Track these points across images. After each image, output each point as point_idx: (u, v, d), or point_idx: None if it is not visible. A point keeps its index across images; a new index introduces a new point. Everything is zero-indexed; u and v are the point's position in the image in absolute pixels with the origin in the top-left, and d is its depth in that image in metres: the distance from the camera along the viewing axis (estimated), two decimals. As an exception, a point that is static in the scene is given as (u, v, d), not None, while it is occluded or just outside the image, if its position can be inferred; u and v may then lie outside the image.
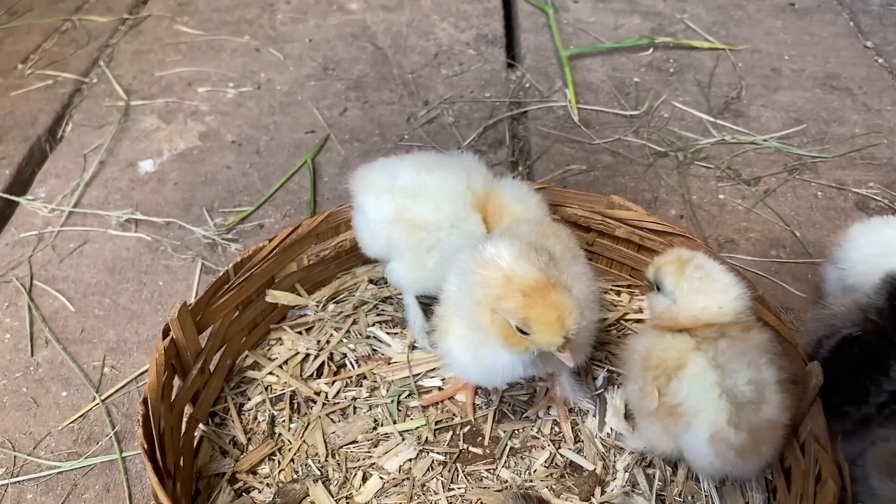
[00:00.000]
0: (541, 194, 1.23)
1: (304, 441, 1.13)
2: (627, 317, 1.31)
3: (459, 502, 1.07)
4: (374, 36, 2.17)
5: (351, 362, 1.25)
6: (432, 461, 1.12)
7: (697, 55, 2.07)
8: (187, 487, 1.05)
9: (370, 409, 1.18)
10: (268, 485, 1.08)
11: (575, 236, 1.17)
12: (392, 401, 1.19)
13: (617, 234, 1.29)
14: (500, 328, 0.94)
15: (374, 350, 1.27)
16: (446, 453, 1.13)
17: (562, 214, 1.31)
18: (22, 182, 1.69)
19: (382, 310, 1.33)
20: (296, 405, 1.19)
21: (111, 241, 1.53)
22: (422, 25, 2.21)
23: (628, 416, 1.14)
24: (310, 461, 1.11)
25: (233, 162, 1.73)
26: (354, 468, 1.10)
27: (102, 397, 1.23)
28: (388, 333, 1.29)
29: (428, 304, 1.22)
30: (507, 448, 1.14)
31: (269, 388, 1.21)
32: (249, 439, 1.14)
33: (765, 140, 1.76)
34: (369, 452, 1.12)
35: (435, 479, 1.09)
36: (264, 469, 1.11)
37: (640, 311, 1.31)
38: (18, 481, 1.12)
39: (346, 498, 1.07)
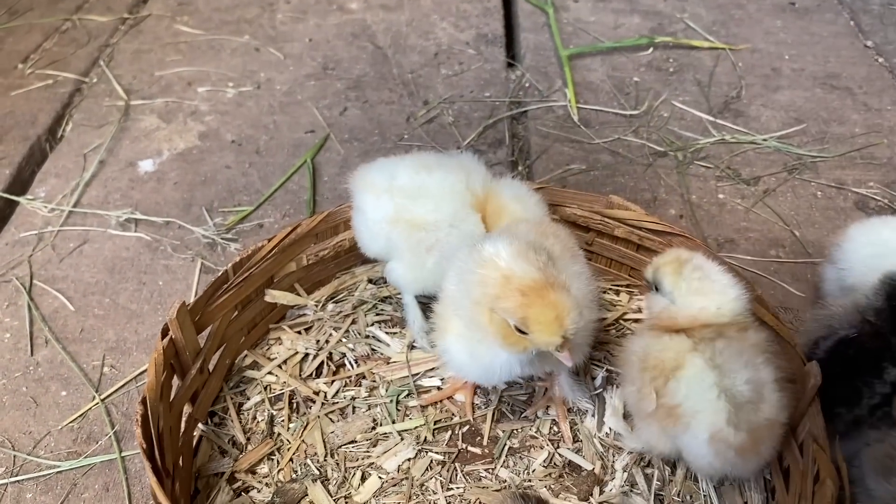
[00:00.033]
0: (540, 194, 1.23)
1: (302, 441, 1.14)
2: (626, 316, 1.31)
3: (458, 502, 1.07)
4: (374, 35, 2.17)
5: (350, 362, 1.25)
6: (431, 461, 1.12)
7: (697, 55, 2.07)
8: (186, 487, 1.06)
9: (369, 409, 1.18)
10: (267, 484, 1.08)
11: (574, 236, 1.17)
12: (391, 400, 1.19)
13: (616, 233, 1.30)
14: (499, 328, 0.94)
15: (373, 350, 1.27)
16: (445, 453, 1.13)
17: (561, 214, 1.31)
18: (22, 182, 1.70)
19: (382, 309, 1.34)
20: (295, 405, 1.19)
21: (111, 241, 1.53)
22: (422, 25, 2.21)
23: (627, 416, 1.14)
24: (309, 461, 1.11)
25: (232, 162, 1.73)
26: (353, 468, 1.10)
27: (102, 397, 1.24)
28: (387, 333, 1.29)
29: (427, 303, 1.22)
30: (506, 448, 1.14)
31: (268, 387, 1.21)
32: (248, 439, 1.14)
33: (764, 140, 1.76)
34: (368, 452, 1.13)
35: (434, 479, 1.09)
36: (263, 469, 1.11)
37: (640, 310, 1.31)
38: (18, 480, 1.13)
39: (345, 498, 1.07)
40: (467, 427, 1.17)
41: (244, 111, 1.89)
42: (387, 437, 1.15)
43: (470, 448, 1.14)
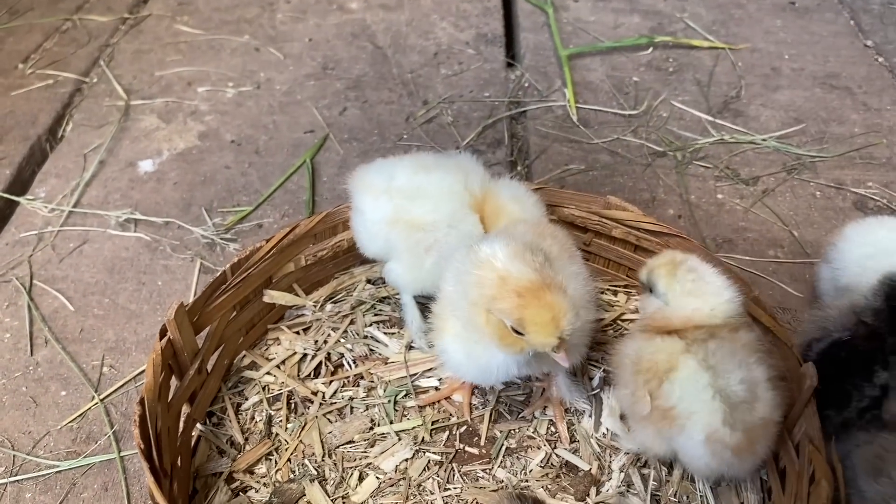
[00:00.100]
0: (538, 194, 1.23)
1: (300, 441, 1.14)
2: (624, 317, 1.32)
3: (455, 502, 1.07)
4: (374, 35, 2.17)
5: (348, 362, 1.26)
6: (428, 461, 1.12)
7: (697, 54, 2.07)
8: (184, 487, 1.06)
9: (367, 409, 1.19)
10: (264, 484, 1.09)
11: (572, 237, 1.17)
12: (389, 401, 1.19)
13: (614, 234, 1.30)
14: (496, 328, 0.95)
15: (371, 350, 1.28)
16: (442, 453, 1.13)
17: (559, 215, 1.32)
18: (22, 182, 1.70)
19: (380, 310, 1.34)
20: (293, 405, 1.20)
21: (110, 241, 1.53)
22: (421, 25, 2.22)
23: (623, 417, 1.14)
24: (306, 461, 1.11)
25: (232, 162, 1.73)
26: (351, 468, 1.11)
27: (101, 397, 1.24)
28: (385, 333, 1.30)
29: (426, 303, 1.22)
30: (504, 448, 1.14)
31: (266, 387, 1.21)
32: (247, 439, 1.15)
33: (764, 140, 1.76)
34: (366, 452, 1.13)
35: (431, 479, 1.10)
36: (261, 469, 1.11)
37: (637, 311, 1.31)
38: (17, 480, 1.13)
39: (343, 498, 1.07)
40: (465, 427, 1.17)
41: (244, 111, 1.89)
42: (384, 437, 1.15)
43: (467, 448, 1.14)
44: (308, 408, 1.19)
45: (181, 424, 1.11)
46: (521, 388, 1.22)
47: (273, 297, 1.27)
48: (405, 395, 1.21)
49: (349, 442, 1.14)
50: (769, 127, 1.80)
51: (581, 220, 1.32)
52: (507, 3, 2.32)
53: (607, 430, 1.15)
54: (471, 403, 1.19)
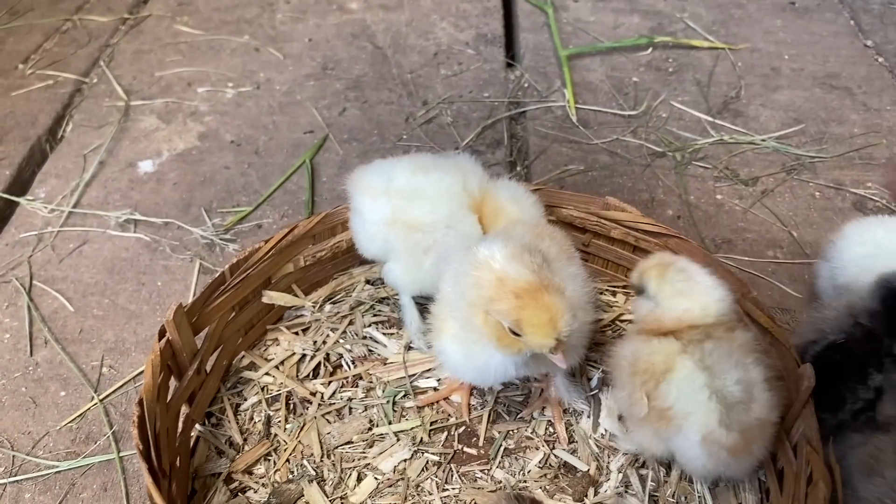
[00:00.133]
0: (537, 195, 1.23)
1: (299, 441, 1.14)
2: (623, 317, 1.32)
3: (453, 503, 1.07)
4: (374, 35, 2.17)
5: (347, 363, 1.26)
6: (427, 462, 1.12)
7: (697, 54, 2.07)
8: (183, 487, 1.06)
9: (366, 410, 1.19)
10: (263, 485, 1.09)
11: (570, 238, 1.17)
12: (387, 401, 1.20)
13: (612, 235, 1.30)
14: (494, 329, 0.95)
15: (370, 351, 1.28)
16: (441, 454, 1.13)
17: (558, 216, 1.32)
18: (22, 182, 1.70)
19: (379, 310, 1.34)
20: (292, 406, 1.20)
21: (110, 242, 1.53)
22: (421, 25, 2.22)
23: (622, 417, 1.14)
24: (305, 461, 1.12)
25: (231, 162, 1.73)
26: (349, 468, 1.11)
27: (101, 397, 1.24)
28: (384, 334, 1.30)
29: (425, 304, 1.23)
30: (502, 448, 1.14)
31: (265, 388, 1.22)
32: (245, 439, 1.15)
33: (763, 140, 1.76)
34: (364, 453, 1.13)
35: (429, 480, 1.10)
36: (260, 469, 1.11)
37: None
38: (17, 480, 1.13)
39: (341, 498, 1.07)
40: (463, 428, 1.18)
41: (243, 111, 1.89)
42: (383, 437, 1.15)
43: (466, 449, 1.15)
44: (307, 408, 1.19)
45: (180, 425, 1.11)
46: (520, 389, 1.22)
47: (272, 297, 1.27)
48: (404, 396, 1.21)
49: (348, 442, 1.15)
50: (769, 127, 1.80)
51: (580, 220, 1.32)
52: (506, 3, 2.32)
53: (605, 430, 1.15)
54: (469, 404, 1.19)
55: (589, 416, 1.17)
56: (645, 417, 0.98)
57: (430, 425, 1.17)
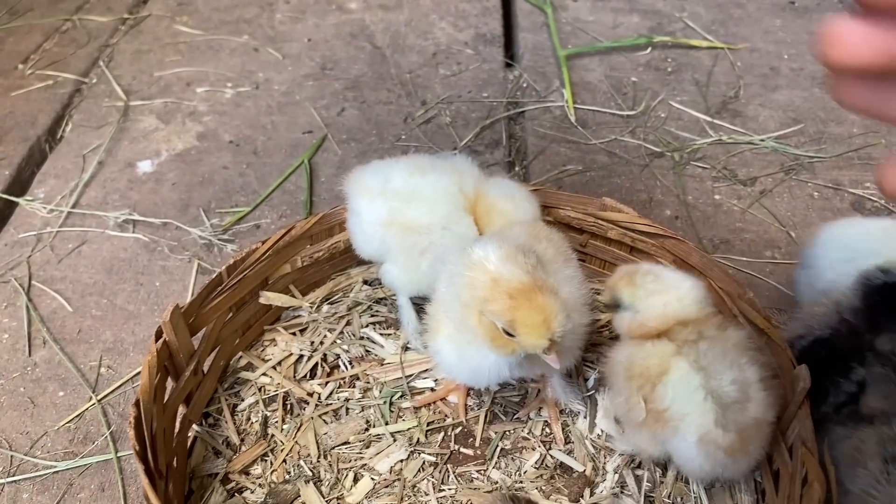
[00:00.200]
0: (534, 195, 1.23)
1: (296, 442, 1.14)
2: (620, 318, 1.32)
3: (449, 503, 1.07)
4: (373, 35, 2.17)
5: (344, 363, 1.26)
6: (423, 462, 1.12)
7: (696, 54, 2.07)
8: (180, 488, 1.06)
9: (362, 410, 1.19)
10: (260, 485, 1.09)
11: (568, 238, 1.18)
12: (384, 402, 1.20)
13: (609, 235, 1.30)
14: (488, 330, 0.95)
15: (367, 351, 1.28)
16: (437, 454, 1.13)
17: (555, 216, 1.32)
18: (21, 182, 1.71)
19: (377, 311, 1.34)
20: (289, 406, 1.20)
21: (109, 242, 1.54)
22: (420, 25, 2.22)
23: (618, 420, 1.14)
24: (302, 462, 1.12)
25: (230, 162, 1.73)
26: (346, 469, 1.11)
27: (99, 397, 1.25)
28: (381, 335, 1.30)
29: (422, 305, 1.23)
30: (498, 449, 1.14)
31: (262, 388, 1.22)
32: (242, 440, 1.15)
33: (762, 140, 1.76)
34: (361, 453, 1.13)
35: (426, 480, 1.10)
36: (257, 469, 1.12)
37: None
38: (15, 480, 1.14)
39: (338, 499, 1.08)
40: (460, 428, 1.18)
41: (242, 111, 1.89)
42: (380, 438, 1.15)
43: (462, 449, 1.15)
44: (304, 409, 1.19)
45: (177, 425, 1.11)
46: (517, 390, 1.22)
47: (269, 298, 1.28)
48: (401, 397, 1.21)
49: (344, 443, 1.15)
50: (767, 127, 1.80)
51: (577, 221, 1.32)
52: (506, 2, 2.32)
53: (602, 431, 1.15)
54: (466, 405, 1.19)
55: (585, 417, 1.17)
56: (642, 421, 0.98)
57: (427, 426, 1.17)
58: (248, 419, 1.18)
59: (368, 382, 1.23)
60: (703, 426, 0.95)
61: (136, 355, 1.32)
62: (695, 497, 1.07)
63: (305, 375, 1.24)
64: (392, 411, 1.19)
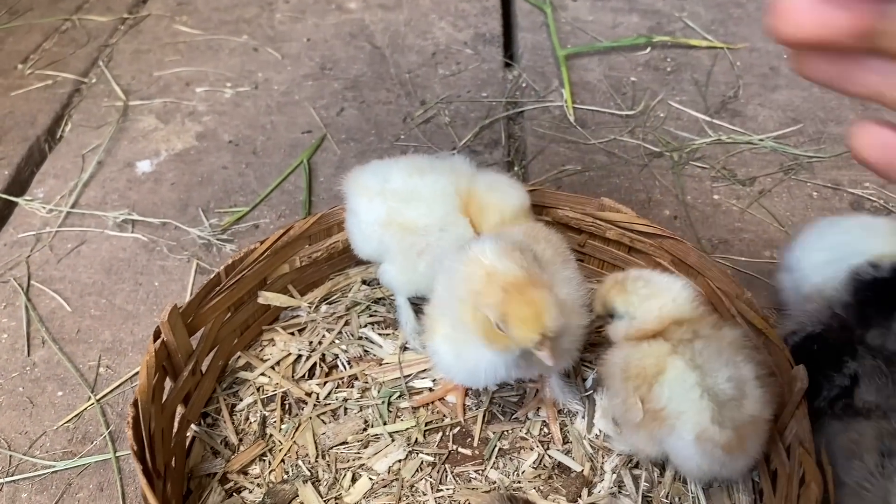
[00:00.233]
0: (532, 195, 1.23)
1: (294, 442, 1.15)
2: (618, 318, 1.32)
3: (447, 503, 1.08)
4: (372, 35, 2.17)
5: (343, 363, 1.26)
6: (421, 462, 1.12)
7: (695, 54, 2.06)
8: (178, 487, 1.07)
9: (361, 410, 1.19)
10: (258, 485, 1.10)
11: (566, 238, 1.18)
12: (383, 402, 1.20)
13: (607, 235, 1.30)
14: (482, 324, 0.95)
15: (365, 351, 1.28)
16: (435, 454, 1.14)
17: (553, 216, 1.32)
18: (21, 182, 1.71)
19: (375, 311, 1.34)
20: (287, 406, 1.20)
21: (108, 242, 1.54)
22: (420, 25, 2.22)
23: (616, 419, 1.14)
24: (300, 462, 1.12)
25: (229, 162, 1.74)
26: (344, 469, 1.11)
27: (97, 397, 1.25)
28: (379, 335, 1.30)
29: (421, 305, 1.23)
30: (496, 449, 1.14)
31: (260, 388, 1.22)
32: (241, 440, 1.15)
33: (761, 140, 1.76)
34: (359, 453, 1.13)
35: (424, 480, 1.10)
36: (255, 469, 1.12)
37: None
38: (14, 480, 1.14)
39: (336, 498, 1.08)
40: (458, 428, 1.18)
41: (242, 111, 1.89)
42: (378, 438, 1.16)
43: (460, 449, 1.15)
44: (302, 409, 1.19)
45: (175, 425, 1.11)
46: (515, 390, 1.22)
47: (267, 298, 1.28)
48: (399, 397, 1.21)
49: (343, 443, 1.15)
50: (767, 127, 1.80)
51: (575, 221, 1.32)
52: (505, 2, 2.32)
53: (600, 431, 1.16)
54: (464, 405, 1.20)
55: (583, 417, 1.17)
56: (640, 421, 0.99)
57: (425, 426, 1.17)
58: (247, 419, 1.19)
59: (367, 382, 1.23)
60: (699, 424, 0.95)
61: (135, 355, 1.32)
62: (693, 497, 1.07)
63: (304, 375, 1.24)
64: (390, 411, 1.19)
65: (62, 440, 1.19)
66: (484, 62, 2.05)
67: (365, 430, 1.17)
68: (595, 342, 1.25)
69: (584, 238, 1.34)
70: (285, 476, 1.10)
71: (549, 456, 1.13)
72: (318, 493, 1.08)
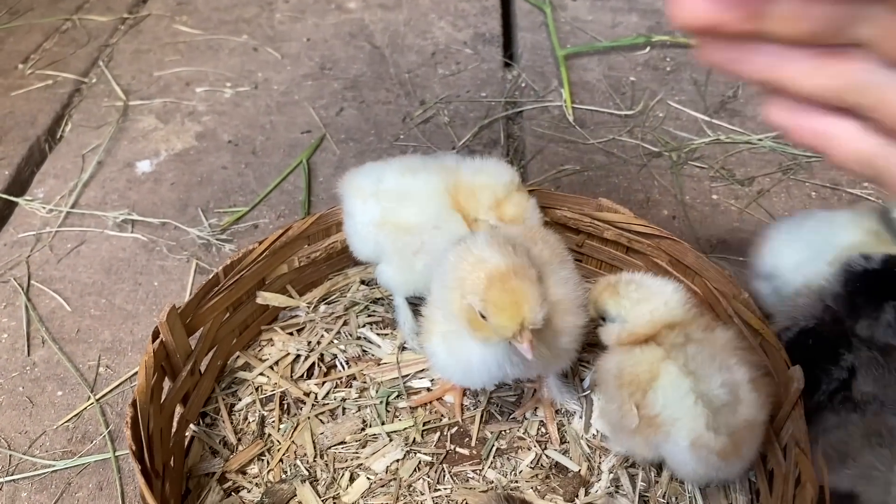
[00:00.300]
0: (532, 196, 1.23)
1: (292, 441, 1.15)
2: (616, 318, 1.32)
3: (445, 503, 1.08)
4: (372, 35, 2.18)
5: (341, 363, 1.27)
6: (419, 462, 1.13)
7: (695, 54, 2.06)
8: (177, 487, 1.07)
9: (359, 410, 1.20)
10: (256, 485, 1.10)
11: (564, 239, 1.18)
12: (381, 402, 1.20)
13: (605, 236, 1.30)
14: (467, 314, 0.94)
15: (364, 351, 1.28)
16: (433, 454, 1.14)
17: (551, 216, 1.32)
18: (21, 182, 1.71)
19: (373, 311, 1.35)
20: (286, 406, 1.21)
21: (108, 242, 1.54)
22: (419, 24, 2.22)
23: (612, 425, 1.14)
24: (298, 461, 1.12)
25: (229, 162, 1.74)
26: (342, 469, 1.12)
27: (97, 397, 1.25)
28: (378, 335, 1.31)
29: (419, 305, 1.23)
30: (494, 449, 1.15)
31: (259, 388, 1.23)
32: (239, 439, 1.16)
33: (760, 139, 1.76)
34: (357, 453, 1.14)
35: (421, 480, 1.11)
36: (253, 469, 1.12)
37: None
38: (13, 480, 1.14)
39: (334, 498, 1.08)
40: (456, 428, 1.18)
41: (241, 111, 1.90)
42: (376, 438, 1.16)
43: (458, 449, 1.15)
44: (300, 409, 1.20)
45: (174, 425, 1.12)
46: (513, 390, 1.23)
47: (266, 298, 1.28)
48: (397, 396, 1.22)
49: (341, 443, 1.15)
50: (766, 127, 1.80)
51: (573, 221, 1.32)
52: (505, 2, 2.32)
53: (597, 431, 1.16)
54: (462, 405, 1.20)
55: (581, 417, 1.18)
56: (635, 428, 0.99)
57: (423, 426, 1.18)
58: (245, 419, 1.19)
59: (365, 382, 1.24)
60: (694, 430, 0.95)
61: (135, 355, 1.32)
62: (689, 497, 1.08)
63: (302, 375, 1.25)
64: (388, 411, 1.20)
65: (62, 440, 1.20)
66: (483, 62, 2.05)
67: (363, 429, 1.17)
68: (593, 342, 1.25)
69: (582, 238, 1.34)
70: (283, 476, 1.11)
71: (547, 456, 1.14)
72: (317, 492, 1.08)
